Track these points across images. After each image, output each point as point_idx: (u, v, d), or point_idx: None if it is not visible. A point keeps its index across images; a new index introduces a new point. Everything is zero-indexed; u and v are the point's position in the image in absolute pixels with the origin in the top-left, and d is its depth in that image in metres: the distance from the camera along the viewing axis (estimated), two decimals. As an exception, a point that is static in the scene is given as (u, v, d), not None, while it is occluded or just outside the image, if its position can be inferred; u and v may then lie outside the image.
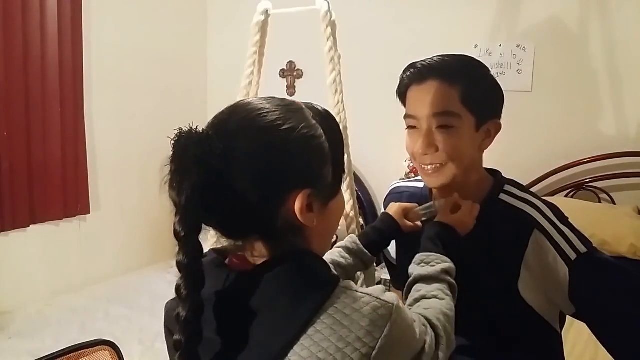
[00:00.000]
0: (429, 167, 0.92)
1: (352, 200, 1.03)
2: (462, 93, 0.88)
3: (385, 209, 1.12)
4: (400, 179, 1.34)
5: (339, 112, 1.00)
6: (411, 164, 2.41)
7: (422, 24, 2.58)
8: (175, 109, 3.12)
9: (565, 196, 2.25)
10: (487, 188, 0.96)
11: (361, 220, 1.95)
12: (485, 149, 0.95)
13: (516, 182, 0.98)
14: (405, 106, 0.96)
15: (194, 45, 3.29)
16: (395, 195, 1.13)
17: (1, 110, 2.15)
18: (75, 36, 2.41)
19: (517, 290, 0.89)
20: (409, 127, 0.95)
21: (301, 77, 3.01)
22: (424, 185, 1.07)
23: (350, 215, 1.01)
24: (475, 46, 2.45)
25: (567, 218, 0.90)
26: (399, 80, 0.97)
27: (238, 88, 1.07)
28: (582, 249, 0.85)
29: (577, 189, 2.25)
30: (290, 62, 3.01)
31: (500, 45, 2.40)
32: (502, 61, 2.40)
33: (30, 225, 2.32)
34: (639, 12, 2.11)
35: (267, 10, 1.06)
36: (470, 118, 0.89)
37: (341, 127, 1.00)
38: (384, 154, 2.68)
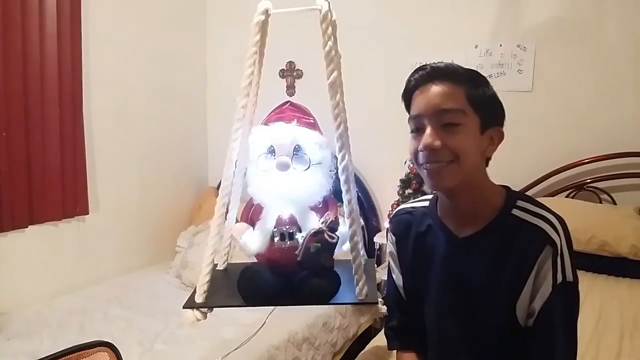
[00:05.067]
0: (434, 165, 0.90)
1: (352, 201, 1.02)
2: (468, 92, 0.90)
3: (393, 233, 1.13)
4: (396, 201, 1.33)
5: (340, 112, 0.99)
6: (411, 165, 2.40)
7: (423, 23, 2.58)
8: (174, 109, 3.12)
9: (566, 196, 2.24)
10: (499, 202, 0.96)
11: (361, 221, 1.94)
12: (489, 156, 0.96)
13: (528, 196, 0.99)
14: (409, 109, 0.96)
15: (194, 45, 3.28)
16: (404, 216, 1.11)
17: (0, 111, 2.14)
18: (74, 36, 2.40)
19: (514, 308, 0.91)
20: (414, 130, 0.94)
21: (301, 77, 3.00)
22: (429, 203, 1.07)
23: (352, 216, 1.00)
24: (476, 46, 2.45)
25: (570, 237, 0.92)
26: (405, 83, 0.97)
27: (238, 88, 1.06)
28: (569, 277, 0.89)
29: (577, 189, 2.24)
30: (290, 62, 3.01)
31: (500, 45, 2.40)
32: (503, 61, 2.39)
33: (29, 226, 2.31)
34: (638, 12, 2.11)
35: (267, 10, 1.05)
36: (475, 118, 0.90)
37: (342, 127, 0.99)
38: (385, 155, 2.67)
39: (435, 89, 0.90)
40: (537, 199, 0.99)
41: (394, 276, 1.14)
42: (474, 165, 0.91)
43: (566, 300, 0.89)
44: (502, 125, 0.96)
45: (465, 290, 0.96)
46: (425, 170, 0.92)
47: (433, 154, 0.89)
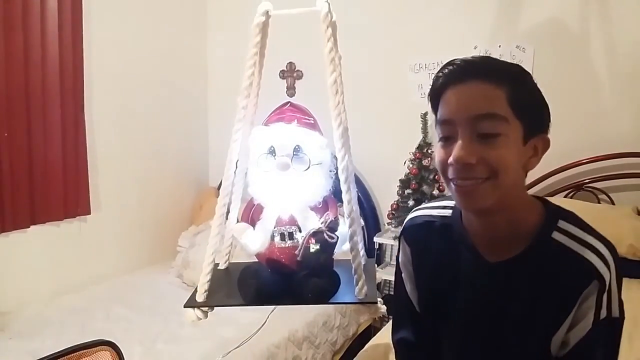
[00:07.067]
0: (468, 182, 0.76)
1: (352, 201, 1.03)
2: (510, 95, 0.75)
3: (409, 244, 0.97)
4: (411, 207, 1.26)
5: (340, 112, 1.00)
6: (411, 165, 2.41)
7: (422, 24, 2.58)
8: (176, 110, 3.13)
9: (565, 197, 2.25)
10: (536, 222, 0.82)
11: (361, 221, 1.95)
12: (531, 169, 0.81)
13: (570, 213, 0.83)
14: (437, 111, 0.81)
15: (194, 46, 3.29)
16: (420, 225, 0.94)
17: (2, 111, 2.16)
18: (76, 36, 2.42)
19: (549, 340, 0.81)
20: (443, 138, 0.80)
21: (301, 78, 3.01)
22: (452, 213, 0.91)
23: (351, 216, 1.01)
24: (475, 47, 2.45)
25: (620, 267, 0.80)
26: (432, 80, 0.82)
27: (238, 89, 1.07)
28: (615, 313, 0.79)
29: (576, 189, 2.25)
30: (291, 63, 3.01)
31: (499, 47, 2.40)
32: (502, 62, 2.40)
33: (31, 226, 2.32)
34: (638, 13, 2.12)
35: (267, 11, 1.06)
36: (518, 126, 0.76)
37: (342, 128, 1.00)
38: (385, 155, 2.68)
39: (470, 89, 0.76)
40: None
41: (407, 288, 1.00)
42: (513, 182, 0.78)
43: (607, 337, 0.80)
44: (547, 132, 0.82)
45: (496, 318, 0.85)
46: (454, 187, 0.78)
47: (466, 169, 0.75)
